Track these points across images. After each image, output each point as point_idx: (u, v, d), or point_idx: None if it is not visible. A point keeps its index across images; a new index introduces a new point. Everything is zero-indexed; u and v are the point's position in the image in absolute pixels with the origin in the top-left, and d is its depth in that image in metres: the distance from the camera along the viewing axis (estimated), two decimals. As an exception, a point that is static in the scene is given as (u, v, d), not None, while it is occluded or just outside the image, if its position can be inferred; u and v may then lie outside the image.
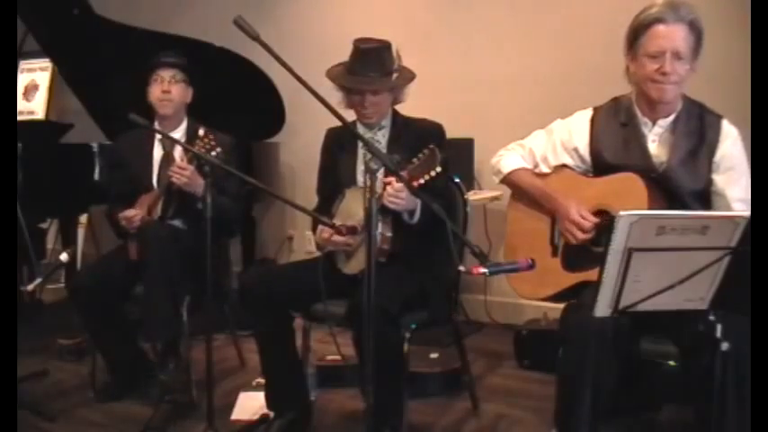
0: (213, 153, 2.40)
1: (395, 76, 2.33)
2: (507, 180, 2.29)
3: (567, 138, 2.21)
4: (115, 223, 2.79)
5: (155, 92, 2.84)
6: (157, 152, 2.91)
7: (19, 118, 4.28)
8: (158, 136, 2.90)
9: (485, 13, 3.79)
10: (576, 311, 1.95)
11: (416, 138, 2.32)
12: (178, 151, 2.84)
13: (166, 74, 2.85)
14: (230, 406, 2.70)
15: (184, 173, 2.63)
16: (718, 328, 1.63)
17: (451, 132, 2.46)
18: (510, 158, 2.28)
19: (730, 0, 3.12)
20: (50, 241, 4.20)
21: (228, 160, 2.61)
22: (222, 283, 2.89)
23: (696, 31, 1.98)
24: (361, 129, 2.41)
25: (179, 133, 2.91)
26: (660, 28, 1.96)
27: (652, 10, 1.99)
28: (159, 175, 2.85)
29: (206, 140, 2.43)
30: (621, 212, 1.51)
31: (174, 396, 2.63)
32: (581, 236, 2.06)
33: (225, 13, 1.95)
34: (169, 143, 2.86)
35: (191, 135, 2.80)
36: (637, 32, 2.02)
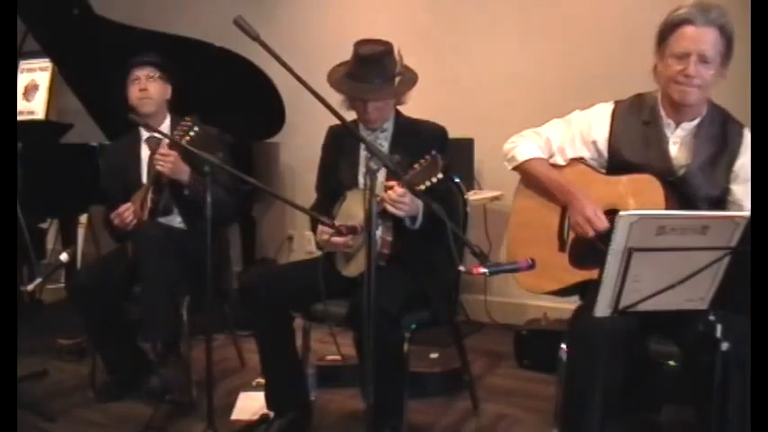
0: (191, 133, 2.43)
1: (397, 80, 2.31)
2: (521, 168, 2.24)
3: (586, 129, 2.16)
4: (111, 227, 2.80)
5: (133, 92, 2.86)
6: (144, 153, 2.93)
7: (19, 118, 4.28)
8: (144, 137, 2.92)
9: (485, 12, 3.78)
10: (586, 312, 1.94)
11: (419, 140, 2.31)
12: (163, 149, 2.85)
13: (142, 72, 2.87)
14: (230, 406, 2.70)
15: (168, 159, 2.64)
16: (718, 328, 1.63)
17: (451, 132, 2.46)
18: (525, 146, 2.22)
19: (730, 0, 3.11)
20: (50, 241, 4.21)
21: (226, 159, 2.61)
22: (221, 280, 2.89)
23: (726, 36, 1.94)
24: (363, 130, 2.40)
25: (163, 130, 2.91)
26: (688, 29, 1.93)
27: (681, 10, 1.95)
28: (148, 173, 2.86)
29: (183, 124, 2.47)
30: (621, 212, 1.50)
31: (174, 396, 2.63)
32: (592, 233, 2.03)
33: (225, 13, 1.95)
34: (155, 142, 2.88)
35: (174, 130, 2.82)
36: (665, 32, 1.98)
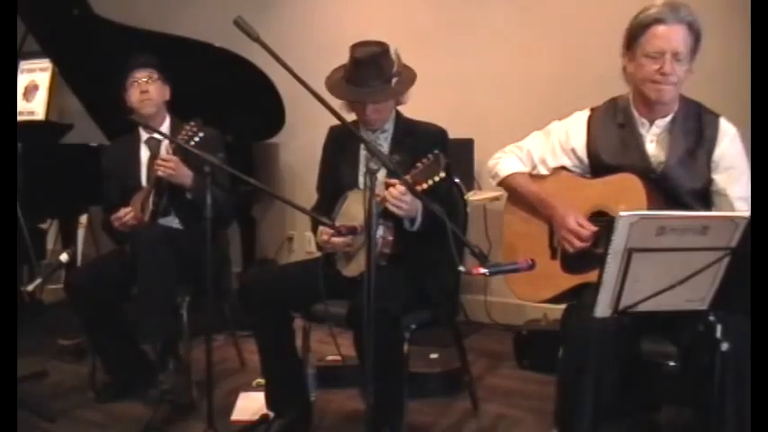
0: (196, 138, 2.46)
1: (395, 80, 2.30)
2: (504, 183, 2.29)
3: (564, 138, 2.21)
4: (110, 229, 2.80)
5: (134, 94, 2.86)
6: (144, 154, 2.93)
7: (19, 118, 4.28)
8: (143, 138, 2.93)
9: (484, 12, 3.79)
10: (578, 312, 1.95)
11: (419, 141, 2.31)
12: (164, 150, 2.86)
13: (141, 75, 2.87)
14: (230, 406, 2.70)
15: (168, 164, 2.65)
16: (718, 328, 1.63)
17: (451, 132, 2.46)
18: (507, 162, 2.28)
19: (730, 0, 3.12)
20: (50, 241, 4.21)
21: (222, 159, 2.61)
22: (221, 280, 2.89)
23: (695, 32, 1.97)
24: (363, 132, 2.39)
25: (164, 131, 2.91)
26: (660, 28, 1.96)
27: (651, 10, 1.99)
28: (148, 175, 2.86)
29: (187, 128, 2.49)
30: (621, 213, 1.50)
31: (174, 396, 2.63)
32: (579, 244, 2.06)
33: (225, 13, 1.95)
34: (155, 144, 2.90)
35: (175, 132, 2.82)
36: (636, 33, 2.01)
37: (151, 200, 2.77)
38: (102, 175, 3.02)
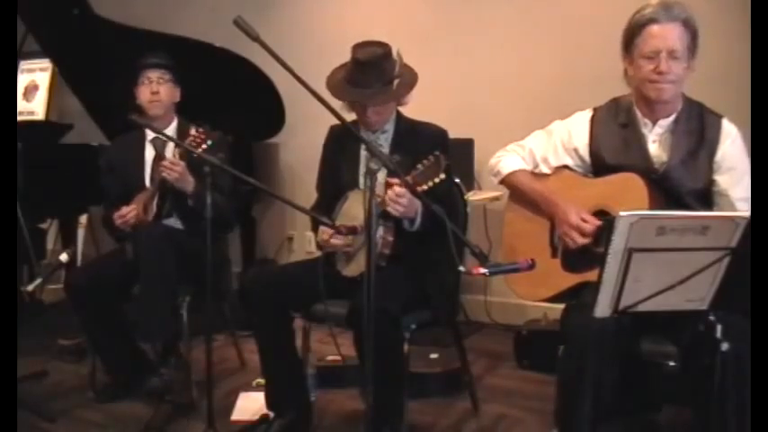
0: (204, 146, 2.44)
1: (396, 82, 2.29)
2: (506, 181, 2.29)
3: (566, 138, 2.21)
4: (111, 226, 2.79)
5: (144, 93, 2.86)
6: (149, 153, 2.92)
7: (19, 118, 4.28)
8: (149, 137, 2.92)
9: (485, 13, 3.79)
10: (577, 312, 1.95)
11: (419, 142, 2.31)
12: (169, 151, 2.85)
13: (154, 75, 2.86)
14: (230, 406, 2.71)
15: (176, 168, 2.64)
16: (719, 328, 1.63)
17: (451, 132, 2.46)
18: (509, 160, 2.28)
19: (730, 0, 3.12)
20: (50, 241, 4.20)
21: (223, 159, 2.61)
22: (221, 280, 2.88)
23: (691, 29, 1.98)
24: (363, 132, 2.39)
25: (170, 132, 2.91)
26: (654, 28, 1.97)
27: (645, 11, 1.99)
28: (152, 175, 2.86)
29: (195, 135, 2.48)
30: (621, 213, 1.51)
31: (174, 396, 2.63)
32: (581, 240, 2.05)
33: (225, 13, 1.95)
34: (160, 144, 2.88)
35: (181, 133, 2.82)
36: (632, 34, 2.02)
37: (155, 202, 2.77)
38: (101, 171, 3.01)
